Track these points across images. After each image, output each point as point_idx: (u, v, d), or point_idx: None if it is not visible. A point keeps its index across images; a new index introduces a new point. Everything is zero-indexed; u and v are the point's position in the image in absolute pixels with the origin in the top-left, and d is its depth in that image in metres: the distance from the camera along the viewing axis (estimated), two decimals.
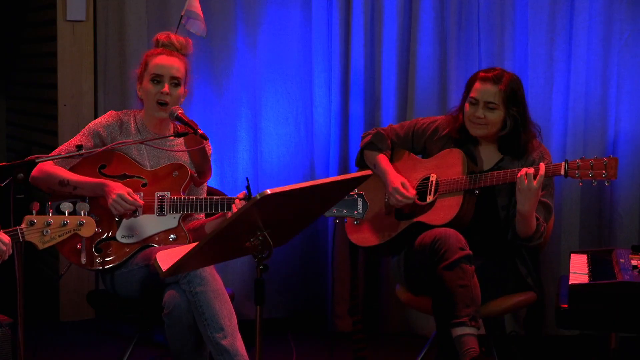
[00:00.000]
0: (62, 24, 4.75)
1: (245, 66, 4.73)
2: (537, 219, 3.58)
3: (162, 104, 3.52)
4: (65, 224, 2.97)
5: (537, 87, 4.57)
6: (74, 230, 3.00)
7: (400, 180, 3.73)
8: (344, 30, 4.71)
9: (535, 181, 3.46)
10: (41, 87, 5.38)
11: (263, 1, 4.71)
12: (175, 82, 3.54)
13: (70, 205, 3.00)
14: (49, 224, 2.94)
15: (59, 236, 2.97)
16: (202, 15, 4.14)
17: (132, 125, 3.59)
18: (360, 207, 3.55)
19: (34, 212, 2.92)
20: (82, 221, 3.01)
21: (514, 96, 3.63)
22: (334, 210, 3.52)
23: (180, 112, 3.49)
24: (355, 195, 3.53)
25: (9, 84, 6.40)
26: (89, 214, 3.46)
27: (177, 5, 4.65)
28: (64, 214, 2.99)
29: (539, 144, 3.73)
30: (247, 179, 3.44)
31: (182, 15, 4.11)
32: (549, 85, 4.58)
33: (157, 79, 3.53)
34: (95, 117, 4.72)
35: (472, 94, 3.65)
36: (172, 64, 3.54)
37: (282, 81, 4.78)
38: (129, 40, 4.66)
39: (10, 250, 2.86)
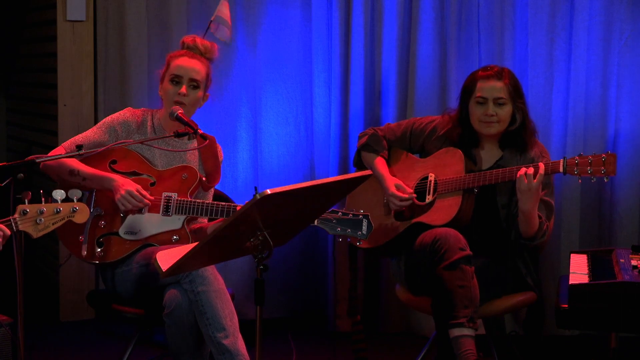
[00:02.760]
0: (62, 24, 4.75)
1: (245, 66, 4.73)
2: (540, 217, 3.58)
3: (179, 104, 3.53)
4: (58, 212, 2.93)
5: (537, 87, 4.57)
6: (67, 217, 2.95)
7: (394, 183, 3.74)
8: (344, 30, 4.71)
9: (535, 180, 3.46)
10: (41, 87, 5.38)
11: (263, 1, 4.71)
12: (194, 84, 3.56)
13: (63, 192, 2.95)
14: (42, 212, 2.90)
15: (53, 224, 2.92)
16: (230, 22, 4.13)
17: (149, 124, 3.61)
18: (365, 228, 3.52)
19: (26, 201, 2.89)
20: (76, 207, 2.96)
21: (518, 89, 3.67)
22: (339, 229, 3.49)
23: (180, 112, 3.49)
24: (361, 216, 3.51)
25: (9, 84, 6.40)
26: (94, 207, 3.48)
27: (177, 5, 4.66)
28: (57, 200, 2.95)
29: (536, 142, 3.74)
30: (255, 188, 3.42)
31: (211, 20, 4.10)
32: (549, 85, 4.58)
33: (176, 80, 3.55)
34: (95, 117, 4.72)
35: (478, 94, 3.65)
36: (192, 66, 3.56)
37: (282, 81, 4.78)
38: (129, 40, 4.65)
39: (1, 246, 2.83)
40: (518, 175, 3.49)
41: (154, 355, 4.26)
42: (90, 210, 3.47)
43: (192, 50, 3.62)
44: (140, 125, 3.60)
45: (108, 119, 3.61)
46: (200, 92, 3.58)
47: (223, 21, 4.12)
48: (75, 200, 2.97)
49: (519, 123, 3.67)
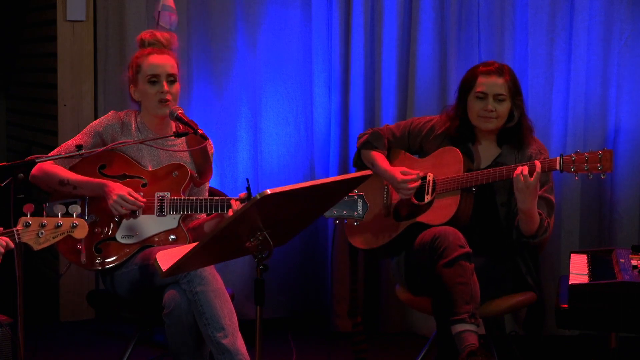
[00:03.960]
0: (62, 24, 4.75)
1: (245, 66, 4.73)
2: (540, 214, 3.58)
3: (164, 102, 3.52)
4: (59, 226, 2.99)
5: (537, 87, 4.57)
6: (67, 232, 3.02)
7: (400, 170, 3.74)
8: (344, 30, 4.71)
9: (532, 177, 3.46)
10: (41, 87, 5.38)
11: (263, 1, 4.71)
12: (172, 79, 3.53)
13: (63, 207, 3.02)
14: (43, 226, 2.96)
15: (53, 237, 2.99)
16: (174, 7, 4.09)
17: (133, 125, 3.59)
18: (360, 208, 3.54)
19: (28, 214, 2.93)
20: (75, 223, 3.03)
21: (517, 86, 3.67)
22: (334, 211, 3.51)
23: (180, 112, 3.48)
24: (356, 197, 3.52)
25: (9, 84, 6.40)
26: (88, 214, 3.48)
27: (177, 5, 4.64)
28: (57, 215, 3.00)
29: (535, 139, 3.75)
30: (247, 180, 3.43)
31: (159, 12, 4.08)
32: (549, 85, 4.58)
33: (154, 79, 3.52)
34: (96, 117, 4.72)
35: (478, 89, 3.65)
36: (165, 61, 3.53)
37: (282, 81, 4.78)
38: (129, 40, 4.65)
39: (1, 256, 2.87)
40: (515, 175, 3.49)
41: (154, 355, 4.26)
42: (85, 218, 3.48)
43: (156, 46, 3.57)
44: (125, 127, 3.57)
45: (93, 124, 3.58)
46: (178, 85, 3.56)
47: (168, 8, 4.09)
48: (75, 216, 3.03)
49: (517, 120, 3.68)
